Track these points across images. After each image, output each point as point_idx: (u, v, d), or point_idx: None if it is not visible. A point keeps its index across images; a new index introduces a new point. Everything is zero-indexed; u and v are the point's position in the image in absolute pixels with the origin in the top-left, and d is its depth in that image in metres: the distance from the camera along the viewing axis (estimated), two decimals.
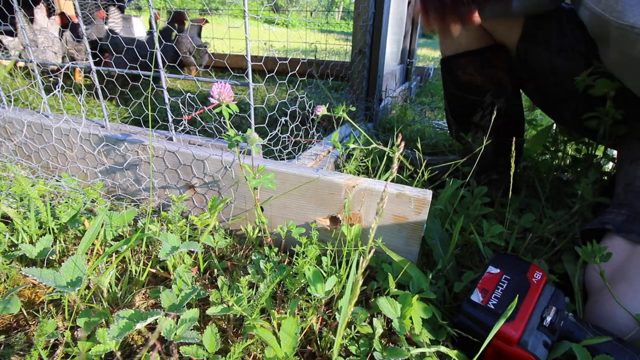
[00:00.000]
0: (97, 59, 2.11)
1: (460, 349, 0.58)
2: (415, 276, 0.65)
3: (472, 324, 0.52)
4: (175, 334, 0.50)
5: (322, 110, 0.85)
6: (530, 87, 0.95)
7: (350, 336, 0.56)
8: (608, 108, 0.79)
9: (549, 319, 0.51)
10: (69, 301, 0.60)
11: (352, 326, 0.57)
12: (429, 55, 5.70)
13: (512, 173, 0.79)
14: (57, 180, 0.88)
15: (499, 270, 0.58)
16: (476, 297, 0.54)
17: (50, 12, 3.06)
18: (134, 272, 0.68)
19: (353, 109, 0.98)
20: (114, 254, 0.74)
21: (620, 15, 0.58)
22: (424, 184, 0.97)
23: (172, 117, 0.90)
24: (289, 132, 1.12)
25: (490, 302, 0.53)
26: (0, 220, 0.75)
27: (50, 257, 0.70)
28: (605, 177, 0.93)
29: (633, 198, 0.67)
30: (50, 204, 0.78)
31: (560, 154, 1.03)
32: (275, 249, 0.70)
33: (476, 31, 0.91)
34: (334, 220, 0.77)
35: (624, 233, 0.62)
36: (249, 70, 0.77)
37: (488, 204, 0.90)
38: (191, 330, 0.51)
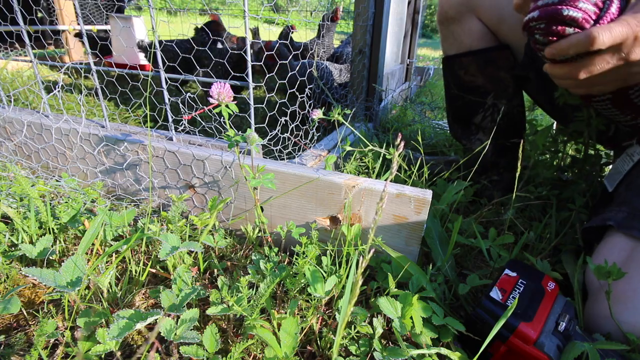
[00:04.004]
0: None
1: (463, 345, 0.58)
2: (415, 274, 0.65)
3: (489, 318, 0.53)
4: (175, 334, 0.50)
5: (318, 114, 0.85)
6: (534, 86, 0.95)
7: (350, 336, 0.56)
8: (592, 120, 0.81)
9: (563, 325, 0.52)
10: (69, 301, 0.60)
11: (352, 326, 0.57)
12: (429, 55, 5.70)
13: (517, 174, 0.79)
14: (57, 180, 0.88)
15: (515, 274, 0.59)
16: (495, 294, 0.56)
17: (50, 12, 3.06)
18: (134, 272, 0.68)
19: (348, 112, 0.98)
20: (114, 254, 0.74)
21: None
22: (423, 184, 0.97)
23: (172, 117, 0.90)
24: (289, 132, 1.12)
25: (508, 301, 0.54)
26: (0, 220, 0.75)
27: (50, 257, 0.70)
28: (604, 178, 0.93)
29: (633, 196, 0.67)
30: (50, 204, 0.78)
31: (560, 154, 1.03)
32: (275, 249, 0.70)
33: (479, 30, 0.90)
34: (334, 220, 0.77)
35: (625, 229, 0.62)
36: (249, 70, 0.77)
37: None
38: (191, 330, 0.51)
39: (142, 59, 2.48)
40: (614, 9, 0.52)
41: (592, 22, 0.52)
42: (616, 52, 0.51)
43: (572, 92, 0.63)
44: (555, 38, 0.54)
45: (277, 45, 1.72)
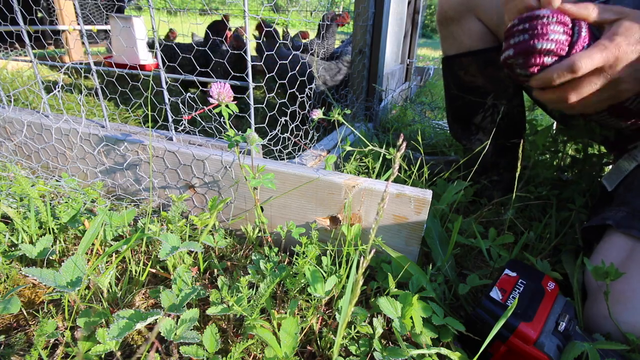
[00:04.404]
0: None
1: (463, 345, 0.58)
2: (415, 274, 0.65)
3: (489, 318, 0.54)
4: (175, 334, 0.50)
5: (318, 114, 0.85)
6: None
7: (350, 336, 0.56)
8: (596, 128, 0.81)
9: (563, 325, 0.52)
10: (69, 301, 0.60)
11: (352, 326, 0.57)
12: (429, 55, 5.70)
13: (517, 174, 0.79)
14: (57, 180, 0.88)
15: (515, 274, 0.59)
16: (495, 294, 0.56)
17: (50, 12, 3.06)
18: (134, 272, 0.68)
19: (348, 112, 0.98)
20: (114, 254, 0.74)
21: None
22: (423, 184, 0.97)
23: (172, 117, 0.90)
24: (289, 132, 1.12)
25: (508, 301, 0.54)
26: (0, 220, 0.75)
27: (50, 257, 0.70)
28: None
29: (633, 197, 0.67)
30: (50, 204, 0.78)
31: (560, 154, 1.03)
32: (275, 249, 0.70)
33: (479, 31, 0.90)
34: (334, 220, 0.77)
35: (624, 229, 0.62)
36: (249, 70, 0.77)
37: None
38: (191, 330, 0.51)
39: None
40: (584, 33, 0.55)
41: (566, 49, 0.54)
42: (601, 73, 0.54)
43: (567, 113, 0.64)
44: (536, 69, 0.56)
45: (278, 44, 1.71)
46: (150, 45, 2.23)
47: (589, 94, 0.56)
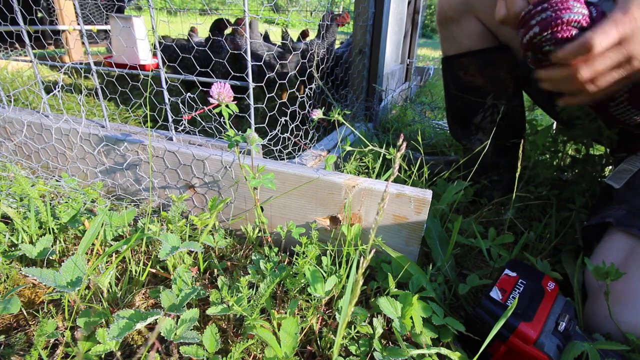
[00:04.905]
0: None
1: (463, 345, 0.58)
2: (415, 274, 0.65)
3: (489, 318, 0.54)
4: (175, 334, 0.50)
5: (318, 114, 0.85)
6: (535, 87, 0.95)
7: (350, 336, 0.56)
8: (603, 130, 0.81)
9: (563, 325, 0.52)
10: (69, 301, 0.60)
11: (352, 326, 0.57)
12: (429, 55, 5.70)
13: (517, 174, 0.79)
14: (57, 180, 0.88)
15: (515, 274, 0.59)
16: (495, 294, 0.56)
17: (50, 12, 3.06)
18: (134, 272, 0.68)
19: (348, 112, 0.98)
20: (114, 254, 0.74)
21: None
22: (423, 184, 0.97)
23: (172, 117, 0.90)
24: (289, 132, 1.12)
25: (508, 301, 0.55)
26: (0, 220, 0.75)
27: (50, 257, 0.70)
28: (604, 178, 0.93)
29: (633, 195, 0.67)
30: (50, 204, 0.78)
31: (560, 154, 1.03)
32: (275, 249, 0.70)
33: (478, 31, 0.90)
34: (334, 220, 0.77)
35: (625, 227, 0.62)
36: (249, 70, 0.77)
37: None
38: (191, 330, 0.51)
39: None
40: (600, 9, 0.55)
41: (590, 21, 0.54)
42: (616, 48, 0.53)
43: (577, 101, 0.63)
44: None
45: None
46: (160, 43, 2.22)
47: (603, 68, 0.54)
